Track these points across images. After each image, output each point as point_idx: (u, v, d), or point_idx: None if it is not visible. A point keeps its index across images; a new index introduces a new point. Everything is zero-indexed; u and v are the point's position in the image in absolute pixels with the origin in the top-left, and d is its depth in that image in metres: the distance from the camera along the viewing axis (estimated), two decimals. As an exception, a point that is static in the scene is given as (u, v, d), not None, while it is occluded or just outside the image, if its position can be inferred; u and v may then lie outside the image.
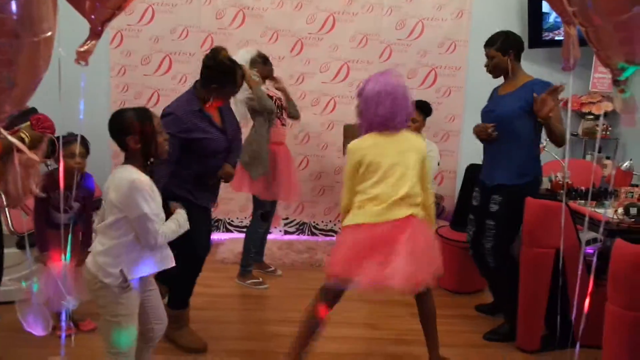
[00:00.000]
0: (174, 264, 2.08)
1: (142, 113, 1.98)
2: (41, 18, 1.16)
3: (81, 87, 1.11)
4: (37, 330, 2.32)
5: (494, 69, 3.06)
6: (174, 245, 2.11)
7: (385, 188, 2.34)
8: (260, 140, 3.49)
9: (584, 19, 1.17)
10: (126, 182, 1.88)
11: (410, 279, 2.23)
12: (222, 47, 2.76)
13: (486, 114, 3.10)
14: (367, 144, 2.40)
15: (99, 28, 1.28)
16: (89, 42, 1.23)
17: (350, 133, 3.76)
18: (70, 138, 2.60)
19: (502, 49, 2.99)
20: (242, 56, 3.45)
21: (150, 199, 1.91)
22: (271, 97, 3.57)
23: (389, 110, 2.37)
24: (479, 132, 3.03)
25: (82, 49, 1.22)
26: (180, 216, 2.09)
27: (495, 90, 3.19)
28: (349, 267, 2.27)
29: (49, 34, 1.21)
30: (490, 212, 3.00)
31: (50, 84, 1.47)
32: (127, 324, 1.96)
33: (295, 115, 3.80)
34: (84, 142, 2.76)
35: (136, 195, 1.87)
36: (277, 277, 3.91)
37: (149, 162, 2.00)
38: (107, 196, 1.95)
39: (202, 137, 2.63)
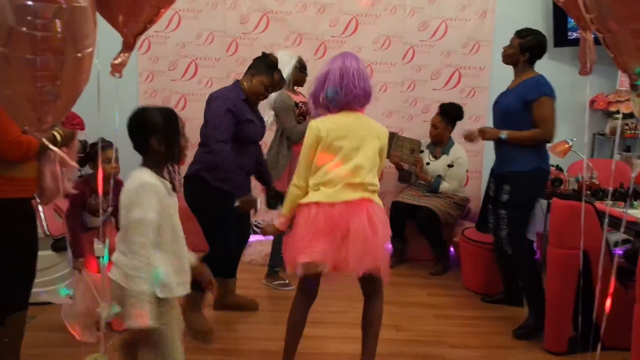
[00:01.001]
0: (186, 292, 1.91)
1: (168, 112, 1.84)
2: (84, 35, 1.22)
3: (115, 100, 1.16)
4: (87, 337, 2.40)
5: (506, 56, 3.19)
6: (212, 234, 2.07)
7: (340, 172, 2.27)
8: (280, 145, 3.63)
9: (601, 25, 1.18)
10: (136, 183, 1.74)
11: (363, 262, 2.21)
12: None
13: (494, 106, 3.28)
14: (329, 124, 2.31)
15: (132, 41, 1.33)
16: (122, 54, 1.28)
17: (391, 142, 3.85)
18: (105, 144, 2.71)
19: (523, 47, 3.09)
20: (282, 58, 3.50)
21: (154, 206, 1.73)
22: (296, 103, 3.63)
23: (339, 88, 2.29)
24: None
25: (116, 62, 1.27)
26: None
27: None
28: (308, 249, 2.21)
29: (91, 49, 1.27)
30: (501, 201, 3.12)
31: (85, 93, 1.53)
32: (165, 334, 1.80)
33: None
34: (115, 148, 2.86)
35: (140, 197, 1.71)
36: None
37: (169, 168, 1.86)
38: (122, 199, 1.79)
39: (248, 120, 2.84)
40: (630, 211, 3.01)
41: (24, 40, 1.10)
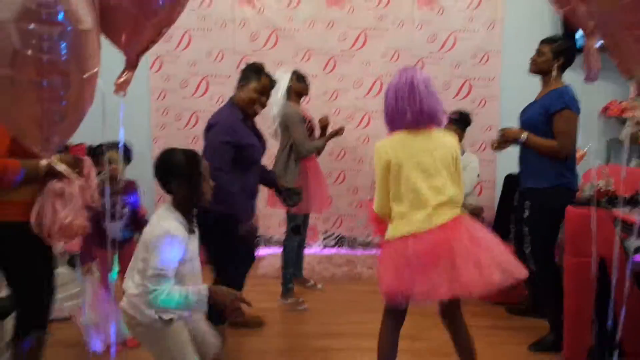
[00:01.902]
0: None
1: (191, 156, 1.91)
2: (88, 56, 1.25)
3: (120, 118, 1.18)
4: (95, 345, 2.40)
5: (536, 65, 3.04)
6: (218, 259, 2.11)
7: (424, 192, 2.19)
8: (287, 160, 3.57)
9: (604, 32, 1.17)
10: (161, 230, 1.81)
11: (484, 282, 2.12)
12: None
13: (519, 117, 3.17)
14: (395, 143, 2.24)
15: (135, 60, 1.35)
16: (125, 73, 1.30)
17: None
18: (110, 144, 2.80)
19: (556, 52, 2.97)
20: (278, 76, 3.52)
21: (176, 258, 1.81)
22: (304, 118, 3.64)
23: (411, 105, 2.20)
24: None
25: (120, 81, 1.29)
26: (194, 295, 1.82)
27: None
28: (404, 283, 2.13)
29: (96, 69, 1.30)
30: (524, 218, 3.04)
31: (93, 113, 1.55)
32: (179, 355, 1.86)
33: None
34: (126, 151, 2.93)
35: (164, 249, 1.78)
36: (318, 290, 3.94)
37: (191, 208, 1.92)
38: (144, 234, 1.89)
39: (249, 144, 2.74)
40: (647, 217, 2.95)
41: (29, 62, 1.12)
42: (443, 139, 2.28)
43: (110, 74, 1.37)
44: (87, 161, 2.27)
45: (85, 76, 1.23)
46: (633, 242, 3.02)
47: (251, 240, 3.06)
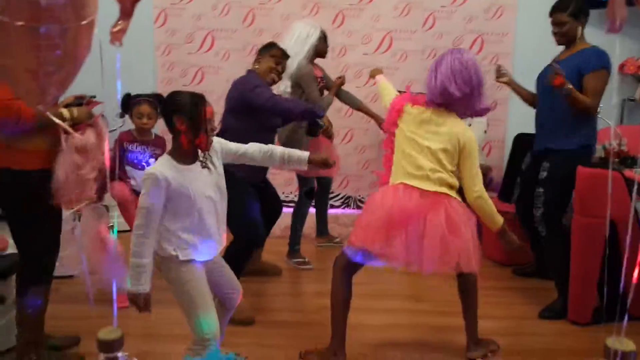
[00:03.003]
0: (215, 254, 2.05)
1: (197, 97, 1.93)
2: (84, 3, 1.19)
3: (117, 69, 1.13)
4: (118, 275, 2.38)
5: (563, 36, 2.93)
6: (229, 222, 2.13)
7: (420, 162, 2.28)
8: (297, 123, 3.50)
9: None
10: (148, 171, 1.87)
11: (441, 263, 2.18)
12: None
13: (540, 78, 3.05)
14: (415, 111, 2.35)
15: (130, 8, 1.29)
16: (120, 22, 1.24)
17: None
18: (140, 98, 2.96)
19: (575, 14, 2.88)
20: (304, 28, 3.52)
21: (154, 197, 1.84)
22: (316, 77, 3.56)
23: (439, 85, 2.27)
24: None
25: (115, 29, 1.23)
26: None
27: (557, 56, 3.08)
28: (377, 238, 2.20)
29: (92, 17, 1.24)
30: (539, 179, 2.97)
31: (96, 66, 1.51)
32: (198, 295, 1.92)
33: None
34: (154, 103, 3.01)
35: (145, 186, 1.85)
36: (339, 246, 3.96)
37: (191, 149, 1.93)
38: None
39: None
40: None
41: (24, 7, 1.07)
42: (453, 127, 2.30)
43: (107, 25, 1.32)
44: (101, 120, 2.25)
45: (81, 23, 1.18)
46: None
47: (274, 194, 3.31)
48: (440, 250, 2.16)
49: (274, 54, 3.03)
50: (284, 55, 3.08)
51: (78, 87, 1.71)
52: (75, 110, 2.22)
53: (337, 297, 2.38)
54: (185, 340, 1.98)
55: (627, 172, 2.97)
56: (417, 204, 2.21)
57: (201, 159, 1.97)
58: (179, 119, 1.87)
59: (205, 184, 1.97)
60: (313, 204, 3.91)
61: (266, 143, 2.82)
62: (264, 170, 3.05)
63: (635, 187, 2.37)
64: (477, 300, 2.47)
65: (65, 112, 2.17)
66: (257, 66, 3.03)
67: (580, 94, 2.81)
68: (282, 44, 3.19)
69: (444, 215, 2.21)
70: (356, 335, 2.47)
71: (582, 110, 2.84)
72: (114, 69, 1.23)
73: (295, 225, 3.74)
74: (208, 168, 1.99)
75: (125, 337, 1.08)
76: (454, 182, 2.32)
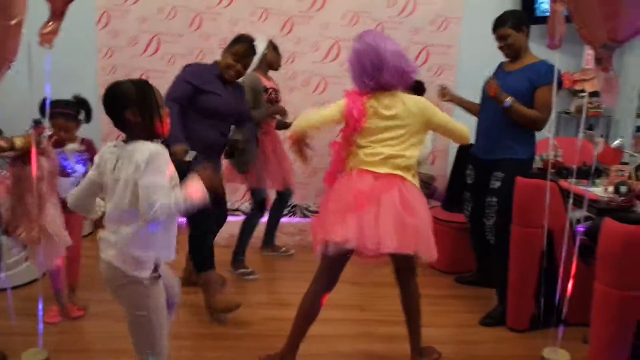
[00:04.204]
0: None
1: (142, 83, 1.80)
2: (12, 2, 1.12)
3: (45, 72, 1.07)
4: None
5: (510, 48, 3.02)
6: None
7: (373, 148, 2.28)
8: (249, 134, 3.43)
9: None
10: (146, 153, 1.68)
11: (398, 242, 2.15)
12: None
13: (484, 88, 3.11)
14: (373, 102, 2.32)
15: (60, 9, 1.23)
16: (51, 23, 1.17)
17: None
18: (56, 110, 2.62)
19: (516, 26, 2.98)
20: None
21: (165, 171, 1.71)
22: (267, 89, 3.53)
23: (370, 68, 2.29)
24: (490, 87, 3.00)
25: (45, 31, 1.17)
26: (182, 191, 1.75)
27: (501, 65, 3.19)
28: (333, 225, 2.19)
29: (20, 17, 1.17)
30: (491, 189, 3.02)
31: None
32: (157, 319, 1.80)
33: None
34: (69, 116, 2.75)
35: (155, 164, 1.67)
36: (286, 257, 3.95)
37: (150, 140, 1.78)
38: (118, 176, 1.73)
39: (210, 91, 2.92)
40: (592, 189, 3.03)
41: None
42: (407, 101, 2.30)
43: (37, 26, 1.25)
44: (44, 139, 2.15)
45: (8, 23, 1.11)
46: (577, 213, 3.12)
47: (223, 200, 3.26)
48: (396, 228, 2.15)
49: (235, 51, 3.00)
50: (248, 53, 3.05)
51: (6, 91, 1.62)
52: (17, 141, 2.09)
53: (304, 309, 2.37)
54: (119, 356, 1.88)
55: (563, 183, 3.09)
56: (371, 186, 2.22)
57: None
58: (131, 112, 1.73)
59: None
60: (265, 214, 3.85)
61: (211, 131, 2.97)
62: (213, 160, 2.94)
63: (572, 197, 2.46)
64: (419, 309, 2.47)
65: (17, 140, 2.03)
66: (219, 60, 3.03)
67: (523, 107, 2.90)
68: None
69: (398, 195, 2.21)
70: (303, 346, 2.43)
71: (527, 124, 2.95)
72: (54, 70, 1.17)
73: (243, 235, 3.67)
74: None
75: (55, 353, 1.01)
76: (410, 164, 2.30)
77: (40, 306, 1.21)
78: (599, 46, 1.15)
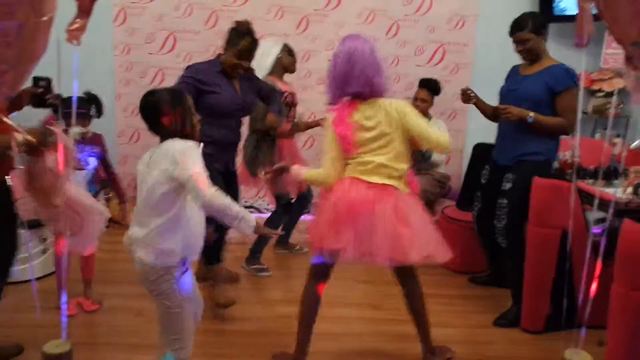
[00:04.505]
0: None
1: (175, 91, 1.97)
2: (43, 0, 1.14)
3: (73, 69, 1.09)
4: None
5: (529, 52, 2.96)
6: None
7: (364, 157, 2.27)
8: (259, 140, 3.48)
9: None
10: (180, 147, 1.80)
11: (394, 253, 2.18)
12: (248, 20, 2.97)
13: (508, 93, 3.06)
14: (356, 116, 2.27)
15: (88, 5, 1.24)
16: (78, 20, 1.19)
17: None
18: (69, 110, 2.62)
19: (536, 30, 2.91)
20: (265, 46, 3.42)
21: (199, 162, 1.81)
22: (282, 92, 3.50)
23: (355, 75, 2.24)
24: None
25: (72, 28, 1.18)
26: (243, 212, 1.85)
27: (516, 69, 3.13)
28: (328, 235, 2.21)
29: (51, 14, 1.18)
30: (502, 190, 2.99)
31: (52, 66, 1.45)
32: (187, 308, 1.91)
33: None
34: (97, 104, 2.87)
35: (191, 156, 1.78)
36: (302, 254, 3.94)
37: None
38: (148, 174, 1.85)
39: (212, 91, 2.83)
40: (610, 190, 3.00)
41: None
42: (388, 107, 2.26)
43: (64, 23, 1.27)
44: (58, 133, 2.15)
45: (40, 20, 1.12)
46: (593, 214, 3.09)
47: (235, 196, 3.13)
48: (391, 240, 2.17)
49: (240, 48, 2.85)
50: (252, 46, 2.91)
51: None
52: (31, 131, 2.11)
53: (305, 305, 2.40)
54: (137, 350, 1.91)
55: (580, 184, 3.06)
56: (365, 196, 2.22)
57: None
58: (167, 118, 1.86)
59: None
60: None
61: (223, 130, 2.92)
62: (224, 158, 3.00)
63: (573, 196, 2.44)
64: (424, 307, 2.47)
65: (20, 137, 2.05)
66: (224, 56, 2.89)
67: (546, 117, 2.85)
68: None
69: (392, 206, 2.21)
70: (314, 343, 2.44)
71: (554, 132, 2.91)
72: (71, 68, 1.18)
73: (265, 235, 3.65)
74: None
75: (73, 347, 1.03)
76: (400, 175, 2.29)
77: (64, 298, 1.23)
78: (629, 44, 1.13)
